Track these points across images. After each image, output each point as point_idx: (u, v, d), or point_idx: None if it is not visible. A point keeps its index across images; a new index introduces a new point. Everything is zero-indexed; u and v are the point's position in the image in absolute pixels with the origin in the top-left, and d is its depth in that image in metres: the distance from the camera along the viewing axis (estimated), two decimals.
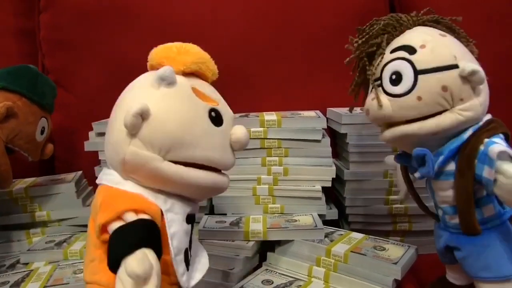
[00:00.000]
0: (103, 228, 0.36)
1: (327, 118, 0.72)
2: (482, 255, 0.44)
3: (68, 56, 0.85)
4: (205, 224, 0.65)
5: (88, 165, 0.74)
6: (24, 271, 0.59)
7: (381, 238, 0.63)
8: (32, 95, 0.63)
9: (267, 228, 0.63)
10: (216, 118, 0.41)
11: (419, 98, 0.42)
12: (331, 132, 0.76)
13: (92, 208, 0.39)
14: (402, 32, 0.47)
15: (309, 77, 0.84)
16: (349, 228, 0.72)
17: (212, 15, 0.83)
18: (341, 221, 0.75)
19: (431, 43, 0.43)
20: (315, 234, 0.61)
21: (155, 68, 0.42)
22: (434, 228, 0.52)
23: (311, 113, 0.73)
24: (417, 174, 0.46)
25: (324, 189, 0.69)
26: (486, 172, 0.40)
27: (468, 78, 0.42)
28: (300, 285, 0.56)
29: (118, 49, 0.83)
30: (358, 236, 0.63)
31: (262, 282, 0.57)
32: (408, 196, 0.55)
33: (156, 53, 0.43)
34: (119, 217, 0.35)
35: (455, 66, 0.42)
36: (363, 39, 0.48)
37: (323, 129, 0.69)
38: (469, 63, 0.42)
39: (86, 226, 0.41)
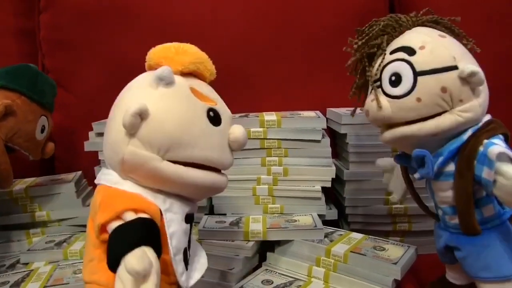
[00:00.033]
0: (103, 228, 0.36)
1: (327, 118, 0.72)
2: (482, 255, 0.44)
3: (68, 56, 0.85)
4: (205, 224, 0.65)
5: (88, 165, 0.75)
6: (24, 271, 0.59)
7: (381, 238, 0.63)
8: (31, 93, 0.63)
9: (267, 228, 0.63)
10: (214, 118, 0.41)
11: (419, 100, 0.42)
12: (331, 132, 0.76)
13: (91, 208, 0.40)
14: (401, 32, 0.47)
15: (309, 77, 0.84)
16: (349, 228, 0.72)
17: (212, 15, 0.83)
18: (341, 221, 0.75)
19: (430, 44, 0.43)
20: (315, 234, 0.62)
21: (153, 68, 0.42)
22: (434, 228, 0.52)
23: (311, 113, 0.73)
24: (416, 175, 0.46)
25: (324, 189, 0.69)
26: (485, 173, 0.40)
27: (467, 79, 0.42)
28: (300, 285, 0.56)
29: (118, 49, 0.83)
30: (358, 236, 0.63)
31: (262, 282, 0.57)
32: (404, 197, 0.55)
33: (154, 53, 0.43)
34: (118, 217, 0.35)
35: (455, 67, 0.42)
36: (363, 40, 0.48)
37: (323, 129, 0.69)
38: (468, 64, 0.42)
39: (86, 226, 0.41)
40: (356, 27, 0.50)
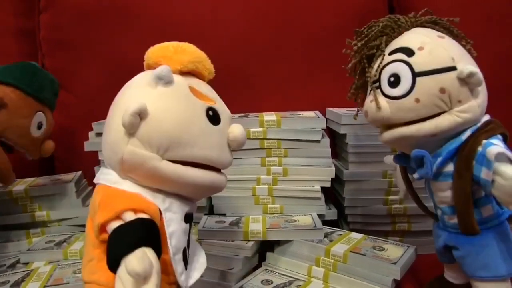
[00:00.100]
0: (102, 228, 0.36)
1: (326, 119, 0.72)
2: (480, 255, 0.45)
3: (68, 56, 0.85)
4: (204, 224, 0.65)
5: (88, 165, 0.75)
6: (24, 271, 0.60)
7: (380, 238, 0.63)
8: (26, 87, 0.61)
9: (267, 228, 0.63)
10: (213, 117, 0.41)
11: (417, 100, 0.42)
12: (330, 132, 0.76)
13: (90, 207, 0.40)
14: (400, 33, 0.47)
15: (309, 77, 0.84)
16: (348, 228, 0.72)
17: (212, 15, 0.83)
18: (340, 221, 0.75)
19: (429, 45, 0.44)
20: (315, 234, 0.62)
21: (152, 67, 0.42)
22: (433, 227, 0.52)
23: (311, 114, 0.73)
24: (416, 175, 0.46)
25: (324, 189, 0.69)
26: (484, 174, 0.40)
27: (466, 80, 0.42)
28: (300, 285, 0.56)
29: (118, 49, 0.83)
30: (357, 236, 0.63)
31: (261, 282, 0.57)
32: (407, 196, 0.55)
33: (153, 52, 0.43)
34: (118, 217, 0.35)
35: (453, 68, 0.42)
36: (362, 42, 0.48)
37: (322, 129, 0.69)
38: (467, 65, 0.42)
39: (85, 226, 0.41)
40: (356, 27, 0.50)
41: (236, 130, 0.42)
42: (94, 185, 0.42)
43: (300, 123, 0.69)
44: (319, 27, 0.83)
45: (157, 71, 0.39)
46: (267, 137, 0.69)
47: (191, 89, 0.41)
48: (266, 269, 0.61)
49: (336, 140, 0.78)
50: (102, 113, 0.60)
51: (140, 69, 0.45)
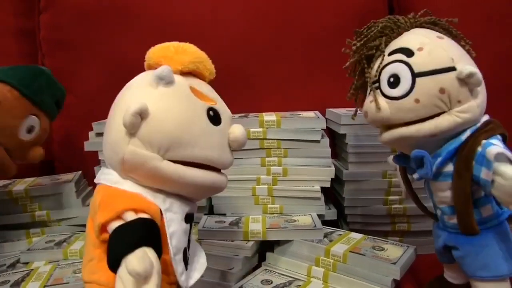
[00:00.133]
0: (103, 228, 0.36)
1: (326, 119, 0.72)
2: (480, 255, 0.45)
3: (68, 56, 0.85)
4: (204, 224, 0.65)
5: (88, 165, 0.75)
6: (24, 271, 0.60)
7: (380, 238, 0.63)
8: (24, 88, 0.60)
9: (267, 228, 0.63)
10: (214, 117, 0.41)
11: (417, 101, 0.43)
12: (330, 132, 0.76)
13: (91, 207, 0.40)
14: (399, 34, 0.47)
15: (308, 77, 0.84)
16: (348, 228, 0.72)
17: (212, 15, 0.83)
18: (340, 221, 0.75)
19: (428, 46, 0.44)
20: (314, 234, 0.62)
21: (152, 67, 0.42)
22: (432, 227, 0.52)
23: (310, 114, 0.73)
24: (415, 175, 0.46)
25: (323, 189, 0.69)
26: (483, 174, 0.40)
27: (465, 80, 0.42)
28: (299, 285, 0.56)
29: (118, 49, 0.83)
30: (357, 236, 0.63)
31: (261, 282, 0.57)
32: (408, 196, 0.55)
33: (154, 52, 0.43)
34: (118, 217, 0.35)
35: (453, 69, 0.42)
36: (361, 42, 0.48)
37: (322, 129, 0.69)
38: (466, 65, 0.42)
39: (85, 226, 0.41)
40: (356, 27, 0.50)
41: (236, 130, 0.42)
42: (94, 185, 0.42)
43: (300, 123, 0.69)
44: (319, 27, 0.83)
45: (158, 71, 0.39)
46: (267, 137, 0.69)
47: (192, 90, 0.41)
48: (266, 269, 0.61)
49: (336, 140, 0.78)
50: (102, 113, 0.60)
51: (140, 69, 0.45)
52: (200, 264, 0.44)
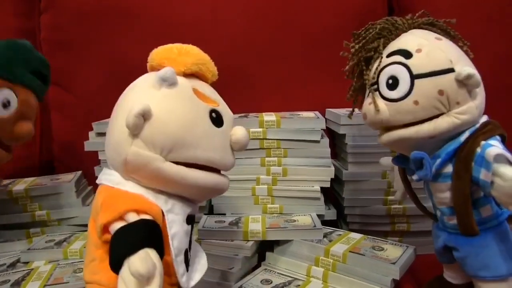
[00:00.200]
0: (105, 228, 0.36)
1: (326, 119, 0.73)
2: (480, 256, 0.45)
3: (68, 56, 0.85)
4: (204, 224, 0.65)
5: (88, 165, 0.75)
6: (24, 270, 0.60)
7: (380, 238, 0.63)
8: None
9: (266, 228, 0.63)
10: (216, 119, 0.41)
11: (416, 103, 0.43)
12: (330, 132, 0.76)
13: (93, 208, 0.40)
14: (398, 35, 0.47)
15: (308, 77, 0.84)
16: (348, 228, 0.72)
17: (212, 15, 0.83)
18: (340, 222, 0.75)
19: (427, 47, 0.44)
20: (314, 234, 0.62)
21: (155, 69, 0.42)
22: (432, 228, 0.52)
23: (310, 114, 0.73)
24: (415, 177, 0.46)
25: (323, 189, 0.69)
26: (483, 175, 0.41)
27: (464, 82, 0.42)
28: (299, 285, 0.56)
29: (118, 49, 0.83)
30: (357, 236, 0.63)
31: (261, 281, 0.57)
32: (405, 197, 0.55)
33: (157, 54, 0.43)
34: (121, 218, 0.36)
35: (451, 70, 0.42)
36: (360, 44, 0.48)
37: (322, 129, 0.69)
38: (465, 67, 0.42)
39: (85, 225, 0.41)
40: (356, 28, 0.50)
41: (238, 132, 0.42)
42: (94, 185, 0.42)
43: (299, 123, 0.69)
44: (319, 27, 0.83)
45: (161, 73, 0.39)
46: (267, 137, 0.69)
47: (195, 91, 0.41)
48: (266, 269, 0.61)
49: (336, 141, 0.78)
50: (102, 113, 0.60)
51: (140, 69, 0.45)
52: (201, 265, 0.44)
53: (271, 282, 0.57)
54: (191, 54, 0.43)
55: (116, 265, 0.34)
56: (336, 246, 0.59)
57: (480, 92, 0.44)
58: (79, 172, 0.77)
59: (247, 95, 0.82)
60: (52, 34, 0.86)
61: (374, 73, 0.46)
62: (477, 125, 0.44)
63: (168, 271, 0.39)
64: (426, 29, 0.47)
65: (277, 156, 0.69)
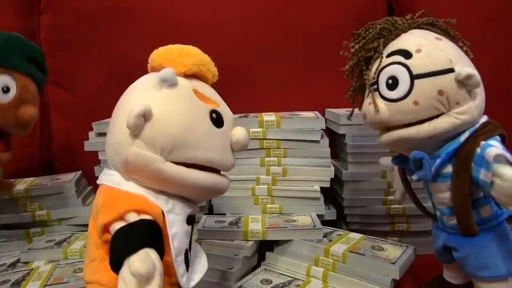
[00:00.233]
0: (105, 228, 0.36)
1: (325, 119, 0.73)
2: (480, 256, 0.45)
3: (68, 56, 0.85)
4: (204, 223, 0.65)
5: (88, 165, 0.75)
6: (25, 270, 0.60)
7: (379, 238, 0.63)
8: None
9: (266, 228, 0.63)
10: (217, 120, 0.41)
11: (416, 103, 0.43)
12: (329, 132, 0.76)
13: (93, 208, 0.40)
14: (397, 35, 0.47)
15: (308, 77, 0.84)
16: (348, 228, 0.72)
17: (212, 16, 0.83)
18: (340, 222, 0.75)
19: (426, 47, 0.44)
20: (314, 234, 0.62)
21: (156, 69, 0.42)
22: (432, 228, 0.52)
23: (310, 114, 0.73)
24: (414, 177, 0.46)
25: (323, 189, 0.69)
26: (482, 175, 0.41)
27: (464, 82, 0.42)
28: (299, 285, 0.56)
29: (118, 49, 0.83)
30: (357, 236, 0.63)
31: (261, 281, 0.57)
32: (404, 197, 0.55)
33: (157, 54, 0.43)
34: (121, 218, 0.36)
35: (451, 70, 0.43)
36: (360, 44, 0.48)
37: (321, 129, 0.69)
38: (465, 67, 0.42)
39: (86, 225, 0.41)
40: (356, 28, 0.50)
41: (239, 132, 0.43)
42: (94, 185, 0.42)
43: (299, 123, 0.69)
44: (319, 27, 0.83)
45: (161, 74, 0.39)
46: (267, 137, 0.69)
47: (195, 92, 0.41)
48: (266, 269, 0.61)
49: (335, 141, 0.78)
50: (102, 113, 0.60)
51: (140, 69, 0.45)
52: (201, 266, 0.44)
53: (271, 282, 0.57)
54: (192, 55, 0.43)
55: (116, 265, 0.34)
56: (336, 246, 0.59)
57: (480, 92, 0.44)
58: (79, 172, 0.77)
59: (247, 95, 0.82)
60: (52, 34, 0.86)
61: (374, 73, 0.46)
62: (477, 125, 0.44)
63: (168, 271, 0.39)
64: (426, 29, 0.47)
65: (277, 156, 0.69)
